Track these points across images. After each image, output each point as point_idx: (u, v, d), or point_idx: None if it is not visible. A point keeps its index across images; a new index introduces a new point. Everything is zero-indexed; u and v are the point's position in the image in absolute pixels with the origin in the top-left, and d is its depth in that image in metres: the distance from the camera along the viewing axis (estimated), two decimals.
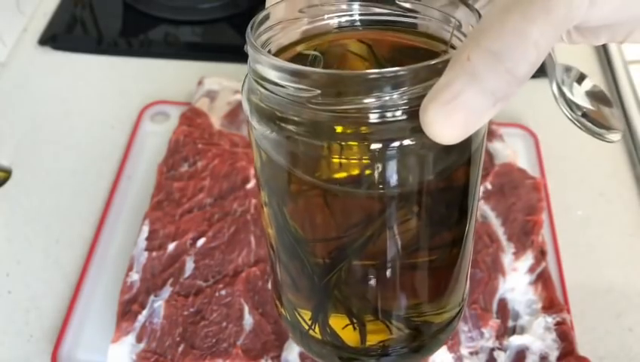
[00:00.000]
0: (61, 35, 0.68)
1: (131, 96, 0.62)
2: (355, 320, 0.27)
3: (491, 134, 0.55)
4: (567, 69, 0.29)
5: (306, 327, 0.28)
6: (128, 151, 0.57)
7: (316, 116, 0.21)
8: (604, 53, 0.66)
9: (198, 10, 0.71)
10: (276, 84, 0.21)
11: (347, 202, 0.24)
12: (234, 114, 0.58)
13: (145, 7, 0.71)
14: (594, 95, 0.28)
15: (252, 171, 0.52)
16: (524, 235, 0.48)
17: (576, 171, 0.57)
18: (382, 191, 0.23)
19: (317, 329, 0.28)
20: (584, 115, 0.27)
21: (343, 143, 0.21)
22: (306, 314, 0.28)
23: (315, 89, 0.20)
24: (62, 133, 0.60)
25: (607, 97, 0.28)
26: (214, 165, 0.52)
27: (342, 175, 0.23)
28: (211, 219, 0.49)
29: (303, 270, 0.27)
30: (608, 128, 0.27)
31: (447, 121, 0.19)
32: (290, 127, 0.22)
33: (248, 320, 0.44)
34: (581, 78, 0.29)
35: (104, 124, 0.60)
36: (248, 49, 0.23)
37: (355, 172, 0.22)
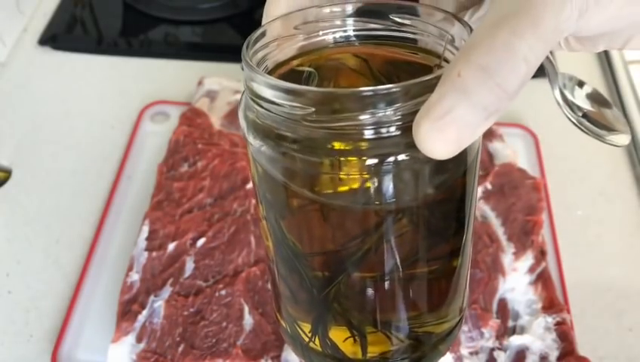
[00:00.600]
0: (61, 35, 0.68)
1: (131, 96, 0.62)
2: (355, 332, 0.27)
3: (491, 134, 0.55)
4: (569, 77, 0.29)
5: (306, 339, 0.28)
6: (128, 151, 0.57)
7: (311, 133, 0.21)
8: (604, 53, 0.66)
9: (198, 10, 0.71)
10: (271, 102, 0.21)
11: (344, 216, 0.24)
12: (234, 114, 0.58)
13: (145, 7, 0.71)
14: (594, 98, 0.29)
15: None
16: (524, 235, 0.48)
17: (576, 171, 0.57)
18: (378, 205, 0.23)
19: (317, 342, 0.28)
20: (585, 116, 0.28)
21: (338, 159, 0.21)
22: (306, 327, 0.28)
23: (309, 107, 0.21)
24: (62, 133, 0.60)
25: (608, 101, 0.29)
26: (214, 165, 0.52)
27: (338, 190, 0.23)
28: (211, 219, 0.49)
29: (302, 283, 0.27)
30: (610, 129, 0.27)
31: (440, 136, 0.19)
32: (287, 143, 0.22)
33: (248, 320, 0.44)
34: (580, 85, 0.29)
35: (104, 124, 0.60)
36: (244, 67, 0.23)
37: (352, 187, 0.23)
